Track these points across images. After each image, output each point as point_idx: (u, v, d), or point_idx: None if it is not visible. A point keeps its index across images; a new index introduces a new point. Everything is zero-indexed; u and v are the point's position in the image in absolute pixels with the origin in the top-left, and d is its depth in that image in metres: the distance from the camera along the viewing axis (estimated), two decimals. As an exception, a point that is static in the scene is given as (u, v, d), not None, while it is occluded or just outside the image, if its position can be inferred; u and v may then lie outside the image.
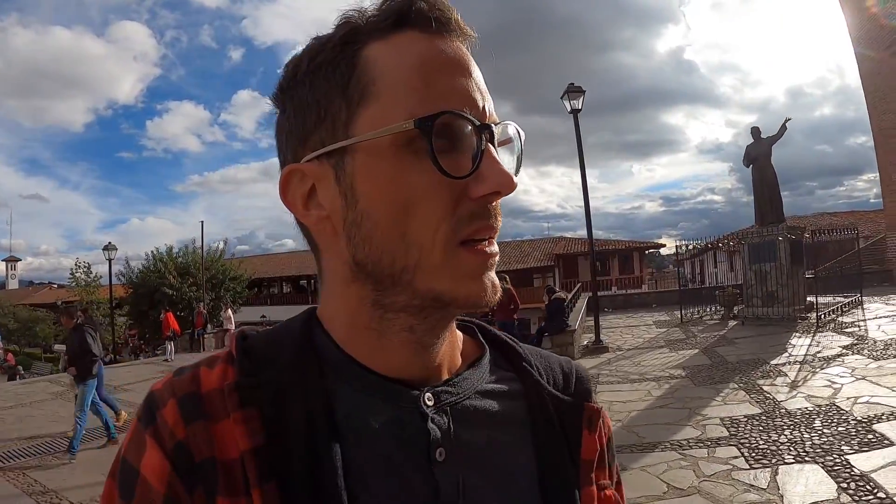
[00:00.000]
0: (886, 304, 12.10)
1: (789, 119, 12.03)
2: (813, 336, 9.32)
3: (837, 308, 11.53)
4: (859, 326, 9.67)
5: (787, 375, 6.86)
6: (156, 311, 22.26)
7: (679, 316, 13.18)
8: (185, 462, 0.44)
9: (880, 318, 10.34)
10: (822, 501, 3.63)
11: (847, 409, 5.33)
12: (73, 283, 30.63)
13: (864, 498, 3.59)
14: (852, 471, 3.98)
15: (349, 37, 0.47)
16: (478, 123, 0.45)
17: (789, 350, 8.40)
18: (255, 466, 0.43)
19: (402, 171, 0.44)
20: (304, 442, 0.44)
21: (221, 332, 18.79)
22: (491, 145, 0.45)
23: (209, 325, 19.21)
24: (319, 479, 0.43)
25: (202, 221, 50.30)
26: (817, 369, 6.98)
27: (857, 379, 6.31)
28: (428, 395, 0.49)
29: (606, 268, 33.84)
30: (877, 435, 4.59)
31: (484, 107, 0.47)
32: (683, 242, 15.14)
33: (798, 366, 7.31)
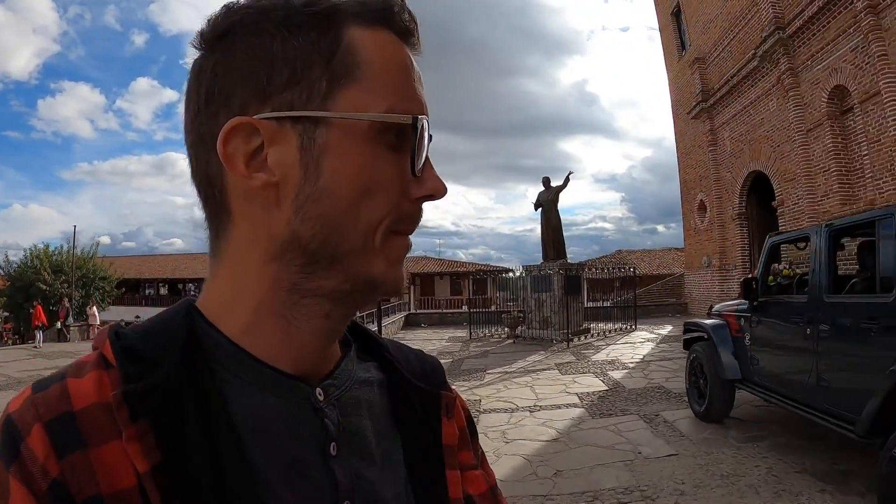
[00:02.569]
0: (651, 332, 14.27)
1: (572, 172, 14.92)
2: (551, 354, 11.39)
3: (602, 333, 13.98)
4: (597, 349, 11.73)
5: (482, 380, 8.96)
6: (31, 304, 23.35)
7: (469, 333, 15.36)
8: None
9: (626, 344, 12.48)
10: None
11: (484, 403, 7.34)
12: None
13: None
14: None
15: (331, 11, 0.46)
16: (430, 134, 0.49)
17: (518, 363, 10.44)
18: (158, 490, 0.37)
19: (374, 159, 0.45)
20: (207, 452, 0.40)
21: (86, 326, 19.93)
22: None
23: (71, 318, 20.33)
24: (228, 491, 0.40)
25: (75, 226, 55.49)
26: (511, 377, 9.08)
27: (525, 387, 8.32)
28: (318, 389, 0.49)
29: (460, 288, 36.91)
30: (477, 420, 6.66)
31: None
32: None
33: (503, 374, 9.40)
